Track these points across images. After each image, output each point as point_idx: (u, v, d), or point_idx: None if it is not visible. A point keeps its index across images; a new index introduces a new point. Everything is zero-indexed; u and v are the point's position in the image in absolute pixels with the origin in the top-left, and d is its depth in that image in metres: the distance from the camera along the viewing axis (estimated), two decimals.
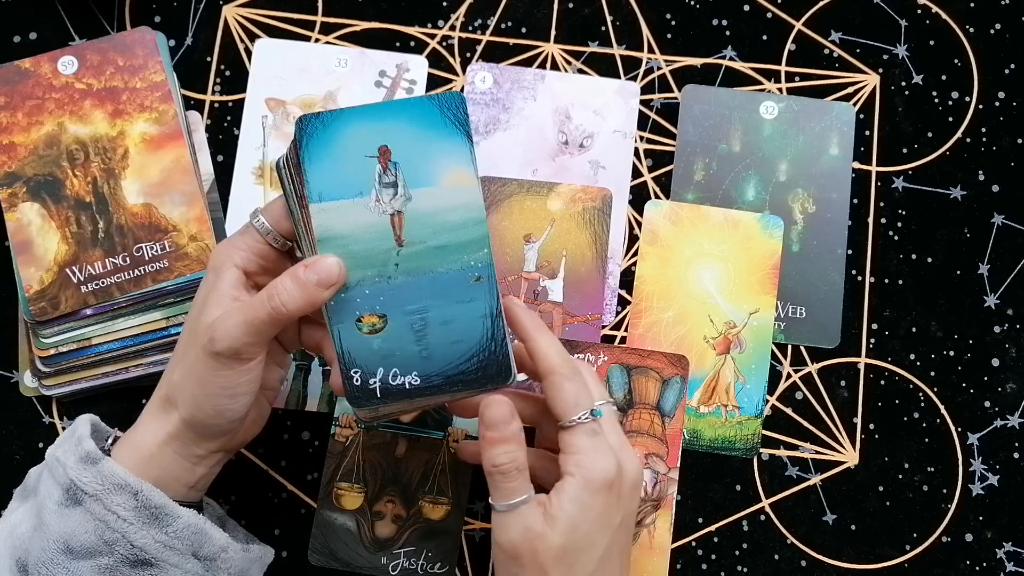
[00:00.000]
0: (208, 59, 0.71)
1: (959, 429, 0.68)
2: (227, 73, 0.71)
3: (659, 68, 0.72)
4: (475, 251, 0.51)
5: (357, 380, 0.51)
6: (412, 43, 0.71)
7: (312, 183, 0.50)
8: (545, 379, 0.53)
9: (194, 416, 0.52)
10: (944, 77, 0.72)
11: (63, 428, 0.66)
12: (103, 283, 0.64)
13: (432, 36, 0.71)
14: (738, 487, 0.67)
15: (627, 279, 0.69)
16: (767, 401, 0.67)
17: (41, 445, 0.66)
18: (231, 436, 0.54)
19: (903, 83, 0.72)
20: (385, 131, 0.51)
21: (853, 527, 0.66)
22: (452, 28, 0.72)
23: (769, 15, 0.72)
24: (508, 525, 0.52)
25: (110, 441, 0.55)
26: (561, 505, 0.51)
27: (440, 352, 0.51)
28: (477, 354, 0.52)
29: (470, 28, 0.72)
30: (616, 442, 0.53)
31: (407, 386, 0.51)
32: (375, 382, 0.51)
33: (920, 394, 0.68)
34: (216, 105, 0.70)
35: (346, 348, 0.51)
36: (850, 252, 0.70)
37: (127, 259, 0.64)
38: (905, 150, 0.71)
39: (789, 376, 0.68)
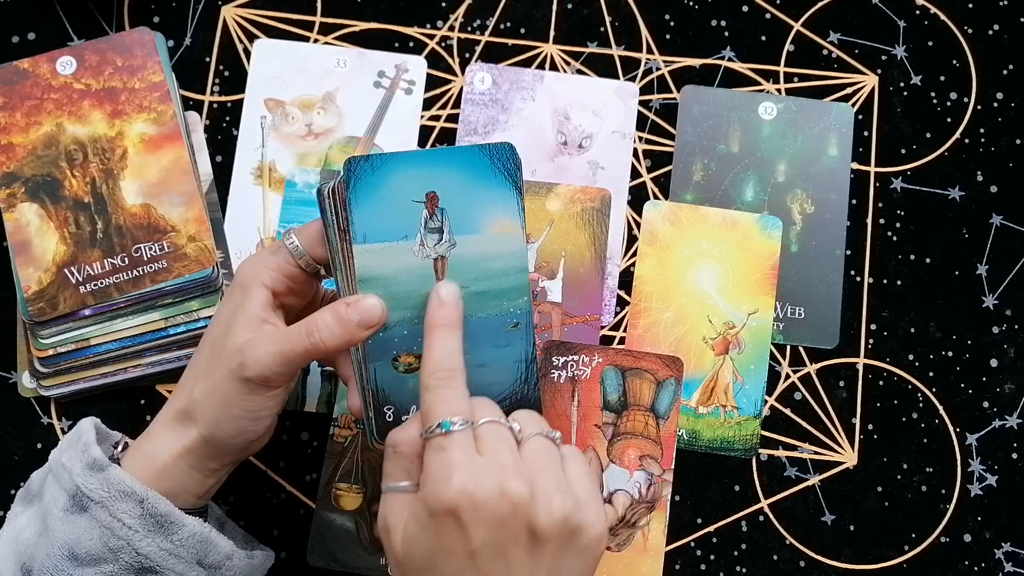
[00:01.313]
0: (207, 59, 0.71)
1: (958, 429, 0.68)
2: (226, 73, 0.71)
3: (658, 69, 0.72)
4: (515, 298, 0.52)
5: (390, 416, 0.52)
6: (411, 43, 0.71)
7: (357, 224, 0.51)
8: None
9: (214, 435, 0.52)
10: (943, 78, 0.72)
11: (61, 429, 0.66)
12: (102, 283, 0.64)
13: (431, 37, 0.71)
14: (737, 487, 0.67)
15: (626, 280, 0.69)
16: (766, 401, 0.67)
17: (40, 446, 0.66)
18: (246, 452, 0.54)
19: (902, 84, 0.72)
20: (433, 177, 0.51)
21: (852, 527, 0.66)
22: (451, 29, 0.72)
23: (768, 16, 0.73)
24: (381, 503, 0.49)
25: (120, 448, 0.54)
26: (408, 521, 0.47)
27: (474, 392, 0.52)
28: (510, 396, 0.53)
29: (469, 29, 0.72)
30: (480, 460, 0.46)
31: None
32: (407, 419, 0.52)
33: (919, 394, 0.68)
34: (215, 105, 0.70)
35: (381, 385, 0.52)
36: (849, 253, 0.70)
37: (126, 259, 0.64)
38: (904, 151, 0.71)
39: (788, 376, 0.68)
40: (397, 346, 0.52)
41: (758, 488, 0.67)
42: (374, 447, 0.53)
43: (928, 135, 0.71)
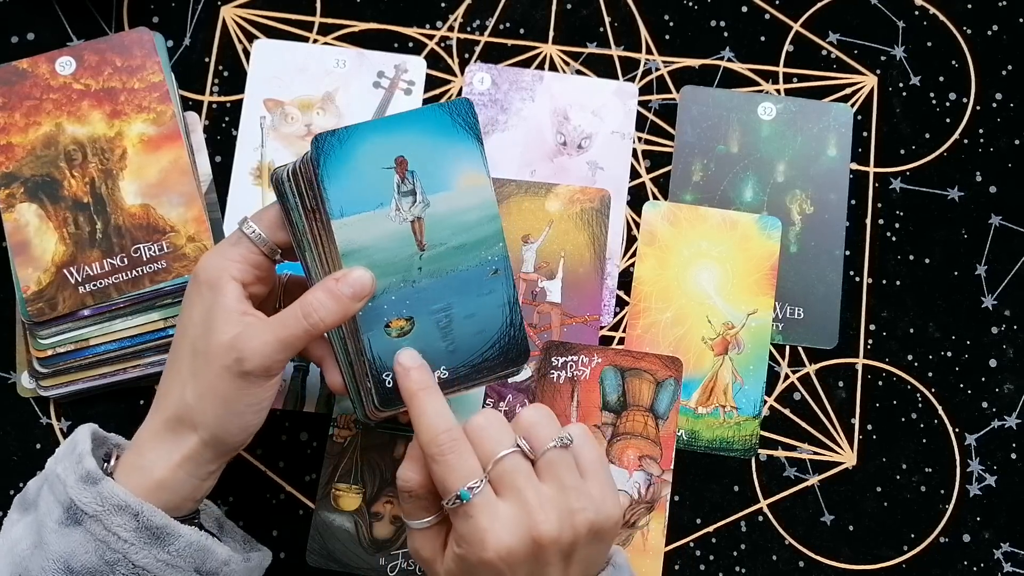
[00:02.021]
0: (206, 60, 0.71)
1: (957, 430, 0.68)
2: (225, 74, 0.71)
3: (657, 69, 0.72)
4: (492, 246, 0.54)
5: (389, 383, 0.53)
6: (410, 44, 0.71)
7: (332, 199, 0.51)
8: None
9: (218, 436, 0.52)
10: (942, 78, 0.72)
11: (61, 430, 0.66)
12: (101, 284, 0.64)
13: (430, 37, 0.71)
14: (736, 488, 0.67)
15: (625, 280, 0.69)
16: (765, 402, 0.67)
17: (39, 447, 0.66)
18: (242, 447, 0.54)
19: (901, 84, 0.72)
20: (399, 142, 0.52)
21: (851, 528, 0.66)
22: (450, 29, 0.72)
23: (767, 16, 0.73)
24: (408, 536, 0.53)
25: (113, 461, 0.54)
26: (447, 559, 0.51)
27: (465, 344, 0.54)
28: (499, 340, 0.54)
29: (468, 29, 0.72)
30: (504, 513, 0.49)
31: (438, 380, 0.53)
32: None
33: (918, 395, 0.68)
34: (214, 106, 0.70)
35: (376, 354, 0.52)
36: (848, 253, 0.70)
37: (125, 260, 0.64)
38: (903, 151, 0.71)
39: (787, 377, 0.68)
40: (387, 313, 0.52)
41: (757, 488, 0.67)
42: (368, 419, 0.54)
43: (927, 135, 0.71)
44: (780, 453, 0.67)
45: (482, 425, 0.50)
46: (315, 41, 0.71)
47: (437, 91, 0.71)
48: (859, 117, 0.71)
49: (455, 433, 0.50)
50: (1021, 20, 0.73)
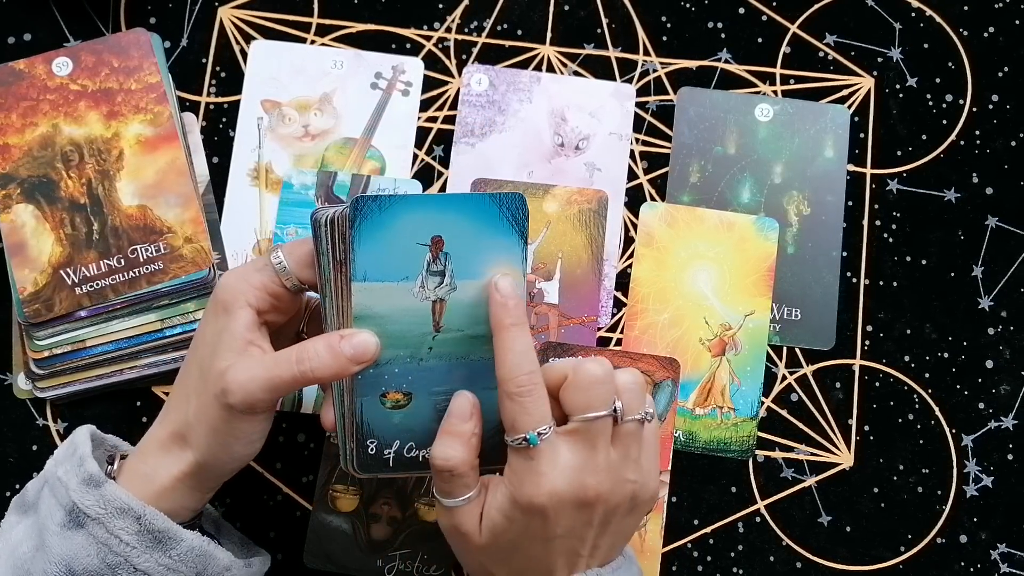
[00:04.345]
0: (203, 60, 0.71)
1: (953, 431, 0.68)
2: (222, 75, 0.71)
3: (655, 70, 0.72)
4: None
5: (372, 449, 0.52)
6: (408, 45, 0.71)
7: (359, 262, 0.50)
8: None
9: (208, 461, 0.52)
10: (938, 80, 0.72)
11: (57, 431, 0.66)
12: (98, 285, 0.63)
13: (428, 38, 0.71)
14: (733, 489, 0.67)
15: (623, 281, 0.69)
16: (762, 403, 0.68)
17: (35, 448, 0.65)
18: (241, 466, 0.54)
19: (897, 86, 0.72)
20: (440, 221, 0.51)
21: (848, 528, 0.66)
22: (448, 30, 0.72)
23: (764, 18, 0.73)
24: (443, 516, 0.52)
25: (115, 465, 0.54)
26: (489, 512, 0.50)
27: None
28: (492, 436, 0.52)
29: (466, 30, 0.72)
30: (565, 463, 0.49)
31: (420, 459, 0.53)
32: (389, 453, 0.52)
33: (915, 396, 0.68)
34: (211, 107, 0.70)
35: (366, 419, 0.52)
36: (845, 254, 0.70)
37: (122, 261, 0.64)
38: (899, 152, 0.71)
39: (784, 378, 0.68)
40: (387, 383, 0.52)
41: (755, 489, 0.67)
42: (348, 471, 0.53)
43: (924, 137, 0.72)
44: (777, 454, 0.67)
45: (596, 377, 0.50)
46: (312, 42, 0.71)
47: (435, 92, 0.71)
48: (856, 118, 0.71)
49: (536, 377, 0.49)
50: (1017, 22, 0.73)
